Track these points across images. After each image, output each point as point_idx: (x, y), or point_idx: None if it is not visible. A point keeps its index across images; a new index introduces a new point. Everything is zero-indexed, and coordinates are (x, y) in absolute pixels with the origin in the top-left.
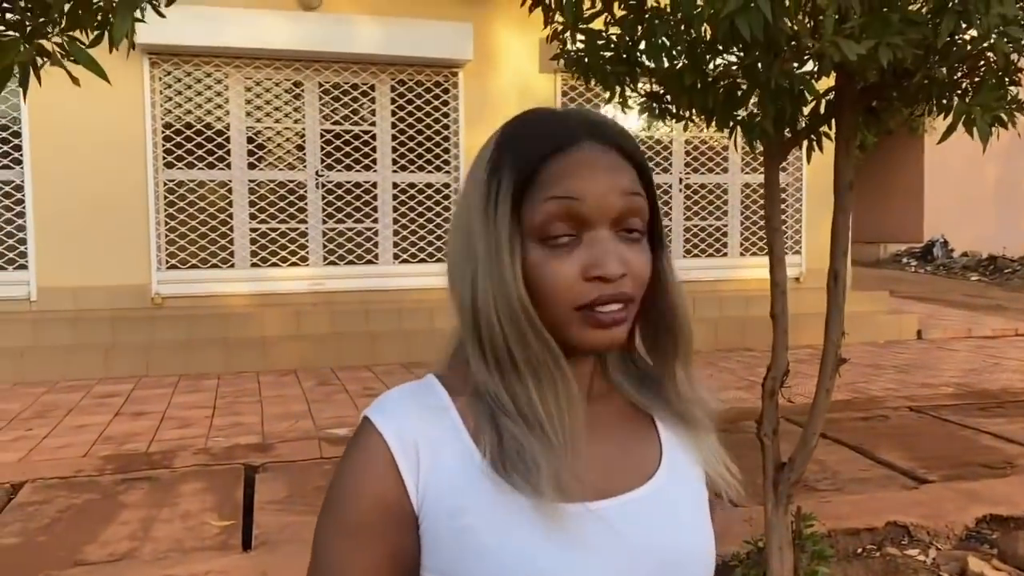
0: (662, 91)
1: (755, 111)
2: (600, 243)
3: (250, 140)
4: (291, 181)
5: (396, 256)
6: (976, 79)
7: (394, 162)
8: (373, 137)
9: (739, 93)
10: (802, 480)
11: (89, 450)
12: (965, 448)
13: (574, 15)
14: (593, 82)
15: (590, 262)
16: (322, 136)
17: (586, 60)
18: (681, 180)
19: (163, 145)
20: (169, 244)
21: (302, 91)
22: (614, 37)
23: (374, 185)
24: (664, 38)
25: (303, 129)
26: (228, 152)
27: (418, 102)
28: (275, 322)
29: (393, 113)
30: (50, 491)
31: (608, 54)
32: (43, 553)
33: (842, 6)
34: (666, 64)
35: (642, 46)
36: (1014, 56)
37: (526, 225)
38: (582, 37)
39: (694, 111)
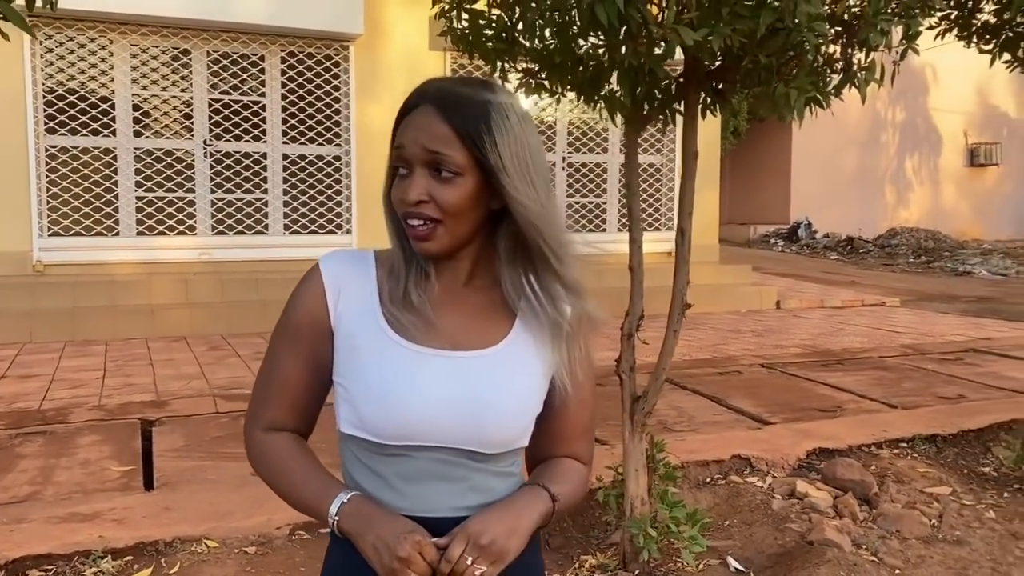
0: (537, 68)
1: (616, 89)
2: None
3: (136, 108)
4: (178, 150)
5: (287, 227)
6: (795, 66)
7: (284, 133)
8: (263, 108)
9: (601, 72)
10: (662, 423)
11: None
12: (804, 396)
13: None
14: (476, 58)
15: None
16: (210, 105)
17: (470, 38)
18: (564, 159)
19: (44, 110)
20: (51, 211)
21: (190, 60)
22: (495, 18)
23: (264, 156)
24: (538, 20)
25: (191, 98)
26: (113, 119)
27: (308, 74)
28: (163, 290)
29: (283, 84)
30: None
31: (490, 32)
32: None
33: None
34: (540, 44)
35: (520, 27)
36: (828, 48)
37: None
38: (467, 16)
39: (565, 87)
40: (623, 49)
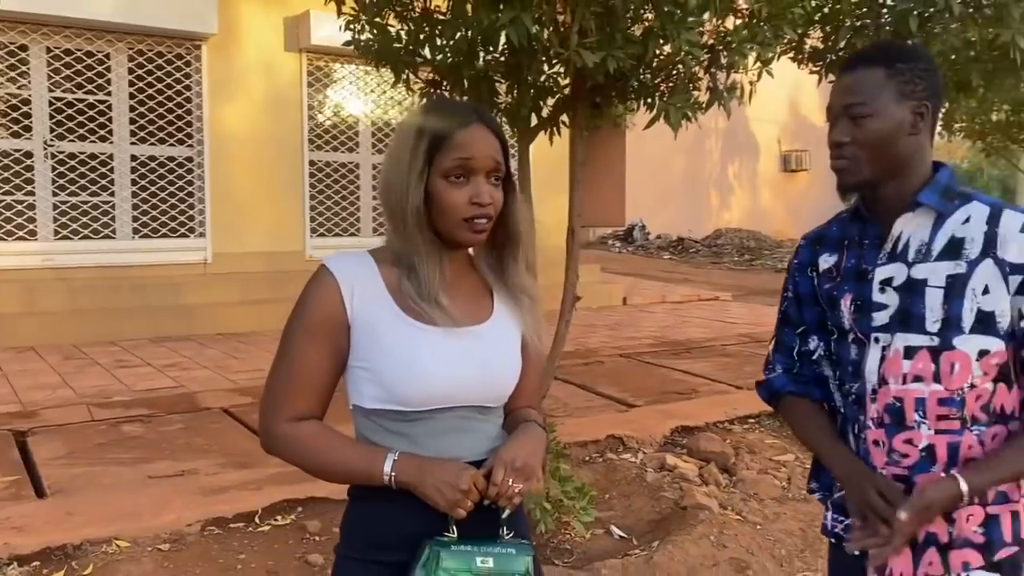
0: (441, 80)
1: (512, 101)
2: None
3: None
4: (16, 150)
5: (136, 231)
6: (671, 85)
7: (132, 134)
8: (109, 107)
9: (503, 86)
10: (542, 410)
11: None
12: (662, 382)
13: (371, 13)
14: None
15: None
16: (51, 104)
17: (375, 47)
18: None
19: None
20: None
21: (27, 56)
22: (403, 33)
23: (110, 157)
24: (440, 40)
25: (29, 96)
26: None
27: (159, 73)
28: (3, 299)
29: (131, 83)
30: None
31: (398, 46)
32: None
33: (583, 25)
34: (444, 57)
35: (423, 39)
36: (696, 69)
37: (436, 167)
38: (375, 29)
39: (467, 98)
40: (528, 67)
